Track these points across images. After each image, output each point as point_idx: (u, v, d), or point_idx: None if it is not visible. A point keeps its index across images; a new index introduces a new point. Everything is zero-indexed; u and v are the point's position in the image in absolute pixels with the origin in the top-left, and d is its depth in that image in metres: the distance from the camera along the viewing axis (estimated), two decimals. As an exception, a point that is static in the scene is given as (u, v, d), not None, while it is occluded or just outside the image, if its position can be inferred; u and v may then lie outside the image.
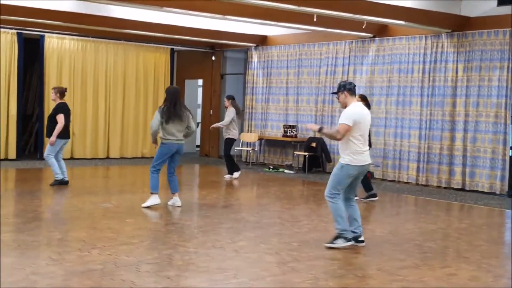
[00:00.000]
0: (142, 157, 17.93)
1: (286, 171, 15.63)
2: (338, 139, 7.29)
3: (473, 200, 11.78)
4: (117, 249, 6.77)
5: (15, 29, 15.50)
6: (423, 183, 13.64)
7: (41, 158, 15.95)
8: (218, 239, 7.51)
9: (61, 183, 11.41)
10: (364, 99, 10.32)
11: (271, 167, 16.24)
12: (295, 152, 16.05)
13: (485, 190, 12.66)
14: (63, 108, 11.51)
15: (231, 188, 12.78)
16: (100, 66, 17.11)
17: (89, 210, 9.17)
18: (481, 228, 9.05)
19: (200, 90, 20.49)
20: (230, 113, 13.70)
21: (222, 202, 10.66)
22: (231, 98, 13.99)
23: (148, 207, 9.44)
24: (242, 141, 17.30)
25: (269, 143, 17.27)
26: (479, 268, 6.63)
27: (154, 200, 9.56)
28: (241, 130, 17.69)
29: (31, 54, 17.18)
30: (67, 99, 16.23)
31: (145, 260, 6.36)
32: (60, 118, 11.36)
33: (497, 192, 12.48)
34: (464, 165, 13.05)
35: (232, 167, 13.91)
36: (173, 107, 9.42)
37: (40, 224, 8.16)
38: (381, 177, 14.45)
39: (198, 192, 12.16)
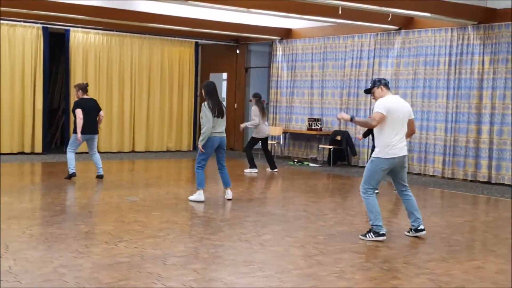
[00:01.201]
0: (168, 151, 18.03)
1: (311, 164, 15.61)
2: (374, 126, 7.29)
3: (500, 193, 11.67)
4: (144, 242, 6.82)
5: (41, 23, 15.63)
6: (449, 176, 13.55)
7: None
8: (244, 232, 7.53)
9: (71, 177, 11.49)
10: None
11: (296, 160, 16.22)
12: (320, 146, 16.02)
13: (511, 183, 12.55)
14: (79, 104, 11.44)
15: (256, 181, 12.79)
16: (125, 60, 17.20)
17: (115, 204, 9.24)
18: (508, 221, 8.95)
19: (224, 83, 20.51)
20: (255, 111, 13.70)
21: (247, 195, 10.67)
22: (255, 96, 13.96)
23: (193, 201, 9.57)
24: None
25: (293, 137, 17.25)
26: (507, 261, 6.57)
27: (198, 195, 9.61)
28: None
29: (56, 48, 17.35)
30: (92, 94, 16.51)
31: (172, 253, 6.40)
32: (78, 113, 11.34)
33: (525, 185, 12.36)
34: (490, 158, 12.93)
35: (250, 162, 13.93)
36: (217, 101, 9.50)
37: (67, 218, 8.24)
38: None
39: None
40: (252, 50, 19.20)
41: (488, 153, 12.95)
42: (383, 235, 7.29)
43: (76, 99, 11.66)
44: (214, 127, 9.41)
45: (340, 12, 12.35)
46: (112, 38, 16.95)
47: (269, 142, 17.36)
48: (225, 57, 19.47)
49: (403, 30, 14.47)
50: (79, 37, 16.43)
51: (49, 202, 9.21)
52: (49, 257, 6.08)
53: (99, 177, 11.74)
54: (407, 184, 7.65)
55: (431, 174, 13.93)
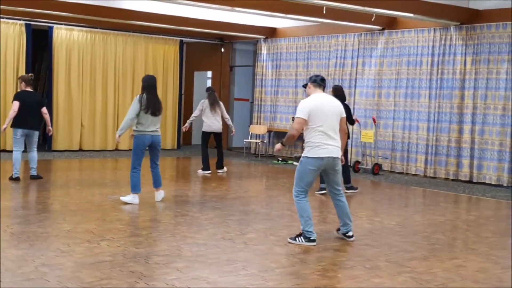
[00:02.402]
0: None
1: (295, 163, 15.63)
2: (295, 135, 7.04)
3: (481, 192, 11.74)
4: (127, 241, 6.78)
5: (24, 20, 15.50)
6: (431, 175, 13.61)
7: (50, 149, 16.02)
8: (227, 231, 7.51)
9: (14, 179, 10.81)
10: (335, 90, 10.47)
11: (280, 159, 16.22)
12: (304, 144, 15.98)
13: (493, 183, 12.61)
14: (18, 96, 10.87)
15: (241, 180, 12.78)
16: (109, 57, 17.10)
17: (98, 202, 9.18)
18: (489, 220, 9.02)
19: (209, 82, 20.48)
20: (199, 105, 13.33)
21: (231, 194, 10.65)
22: (207, 90, 13.61)
23: (127, 203, 9.16)
24: (251, 133, 17.29)
25: (278, 135, 17.25)
26: (487, 260, 6.61)
27: (133, 198, 9.16)
28: (237, 122, 17.68)
29: (39, 45, 17.21)
30: (75, 91, 16.42)
31: (155, 251, 6.37)
32: (14, 105, 10.70)
33: (505, 184, 12.44)
34: (472, 157, 13.01)
35: (204, 163, 13.27)
36: (154, 97, 9.12)
37: (49, 216, 8.17)
38: (389, 169, 14.42)
39: (208, 184, 12.15)
40: (237, 49, 19.18)
41: (470, 153, 13.03)
42: (313, 240, 6.95)
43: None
44: (146, 124, 9.02)
45: (324, 11, 12.36)
46: (95, 36, 16.85)
47: (253, 141, 17.38)
48: (210, 56, 19.43)
49: (386, 30, 14.52)
50: (62, 34, 16.32)
51: (31, 200, 9.14)
52: (31, 256, 6.03)
53: (33, 177, 11.03)
54: (340, 188, 7.23)
55: (413, 173, 13.99)
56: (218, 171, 13.45)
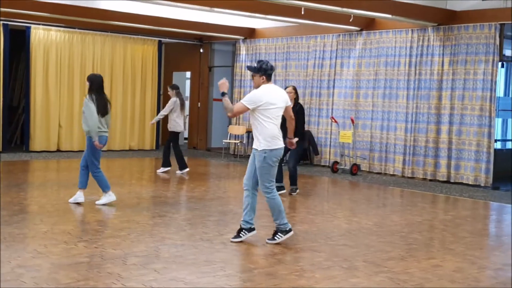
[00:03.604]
0: (130, 150, 17.87)
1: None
2: (229, 116, 7.05)
3: (458, 193, 11.84)
4: (104, 242, 6.75)
5: (1, 20, 15.34)
6: (409, 175, 13.69)
7: (28, 150, 15.89)
8: (205, 232, 7.50)
9: None
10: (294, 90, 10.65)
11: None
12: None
13: (470, 183, 12.72)
14: None
15: (219, 180, 12.76)
16: (87, 58, 16.99)
17: (74, 204, 9.11)
18: (466, 220, 9.09)
19: (188, 82, 20.43)
20: (170, 103, 12.95)
21: (210, 194, 10.64)
22: (175, 88, 13.18)
23: (104, 204, 9.10)
24: (230, 134, 17.29)
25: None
26: (464, 260, 6.66)
27: (109, 197, 9.14)
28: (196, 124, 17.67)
29: (17, 45, 17.06)
30: (52, 92, 16.30)
31: (132, 253, 6.34)
32: None
33: (482, 185, 12.55)
34: (449, 157, 13.11)
35: (180, 162, 13.07)
36: (102, 97, 8.92)
37: (26, 217, 8.11)
38: (367, 170, 14.49)
39: (186, 184, 12.13)
40: (215, 49, 19.16)
41: (447, 153, 13.12)
42: (290, 230, 7.07)
43: None
44: (102, 123, 8.88)
45: (302, 12, 12.39)
46: (73, 36, 16.73)
47: (232, 141, 17.37)
48: (188, 56, 19.39)
49: (364, 31, 14.58)
50: (40, 34, 16.19)
51: (8, 201, 9.05)
52: (7, 257, 5.97)
53: None
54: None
55: (391, 173, 14.06)
56: (185, 171, 13.17)
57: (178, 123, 12.95)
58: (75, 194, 9.13)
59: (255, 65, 6.96)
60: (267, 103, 6.89)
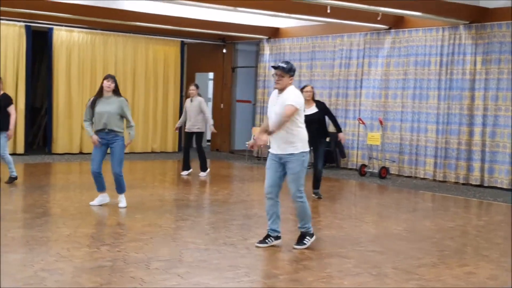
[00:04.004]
0: (152, 152, 17.96)
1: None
2: (287, 121, 6.87)
3: (492, 197, 11.70)
4: (127, 246, 6.78)
5: (23, 21, 15.53)
6: (441, 179, 13.57)
7: (50, 152, 16.05)
8: (229, 236, 7.50)
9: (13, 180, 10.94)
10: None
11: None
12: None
13: (504, 187, 12.57)
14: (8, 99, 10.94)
15: (243, 183, 12.76)
16: (109, 59, 17.12)
17: (98, 206, 9.18)
18: (500, 226, 8.98)
19: (211, 83, 20.49)
20: (204, 102, 13.09)
21: (233, 197, 10.65)
22: (198, 86, 13.26)
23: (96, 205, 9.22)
24: (254, 136, 17.27)
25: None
26: (498, 267, 6.58)
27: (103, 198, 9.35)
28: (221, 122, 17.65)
29: (39, 47, 17.25)
30: (75, 93, 16.45)
31: (155, 257, 6.36)
32: (12, 109, 10.86)
33: (517, 189, 12.42)
34: (482, 160, 12.97)
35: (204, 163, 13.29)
36: None
37: (49, 220, 8.18)
38: (397, 173, 14.39)
39: (209, 187, 12.15)
40: (239, 49, 19.18)
41: (481, 156, 12.99)
42: (313, 234, 7.20)
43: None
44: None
45: (328, 11, 12.35)
46: (96, 37, 16.87)
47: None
48: (211, 57, 19.44)
49: (393, 30, 14.50)
50: (62, 36, 16.34)
51: (31, 204, 9.15)
52: (30, 260, 6.03)
53: (11, 179, 11.01)
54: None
55: (422, 176, 13.95)
56: (200, 173, 13.26)
57: (204, 123, 13.07)
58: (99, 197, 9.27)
59: (283, 65, 6.93)
60: (302, 106, 6.99)
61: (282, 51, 17.19)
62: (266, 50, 17.65)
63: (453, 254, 7.09)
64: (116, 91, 9.10)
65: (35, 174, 12.62)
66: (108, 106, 8.93)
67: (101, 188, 9.23)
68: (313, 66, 16.36)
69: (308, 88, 10.52)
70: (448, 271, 6.31)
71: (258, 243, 7.06)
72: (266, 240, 7.07)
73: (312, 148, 10.21)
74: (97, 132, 8.96)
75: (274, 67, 6.96)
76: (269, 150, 7.11)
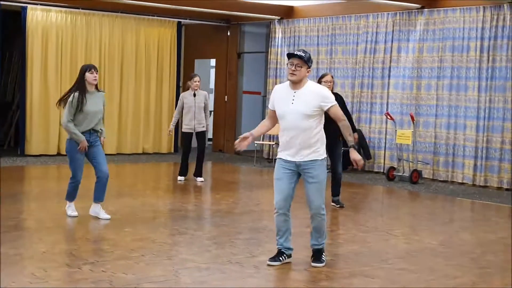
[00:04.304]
0: (144, 153, 17.99)
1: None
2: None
3: (543, 205, 11.69)
4: (113, 265, 6.80)
5: (-8, 0, 15.60)
6: (481, 183, 13.57)
7: (23, 154, 16.09)
8: (234, 253, 7.51)
9: None
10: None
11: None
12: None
13: (557, 193, 12.58)
14: None
15: (251, 190, 12.78)
16: (93, 43, 17.15)
17: (79, 217, 9.20)
18: (552, 239, 8.97)
19: (212, 71, 20.51)
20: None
21: (240, 207, 10.66)
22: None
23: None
24: (264, 134, 17.28)
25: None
26: (549, 288, 6.58)
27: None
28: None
29: (11, 30, 17.27)
30: (53, 83, 16.48)
31: (147, 278, 6.38)
32: None
33: None
34: (531, 162, 12.98)
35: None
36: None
37: (23, 234, 8.21)
38: (431, 177, 14.39)
39: (211, 195, 12.17)
40: (246, 32, 19.20)
41: (528, 157, 13.00)
42: None
43: None
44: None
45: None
46: (77, 17, 16.91)
47: (266, 143, 17.38)
48: (213, 40, 19.46)
49: (426, 9, 14.49)
50: (38, 16, 16.38)
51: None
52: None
53: None
54: None
55: (460, 181, 13.95)
56: (198, 178, 13.29)
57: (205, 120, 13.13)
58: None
59: (301, 53, 6.90)
60: None
61: (297, 34, 17.20)
62: (278, 33, 17.67)
63: (495, 272, 7.09)
64: (97, 85, 9.09)
65: (5, 179, 12.65)
66: (96, 104, 8.96)
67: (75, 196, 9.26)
68: (333, 51, 16.36)
69: (328, 78, 10.53)
70: (491, 294, 6.32)
71: (269, 260, 7.08)
72: (280, 258, 7.08)
73: (328, 149, 10.20)
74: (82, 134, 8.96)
75: (291, 55, 6.88)
76: (280, 156, 7.01)
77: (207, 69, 20.73)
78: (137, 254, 7.29)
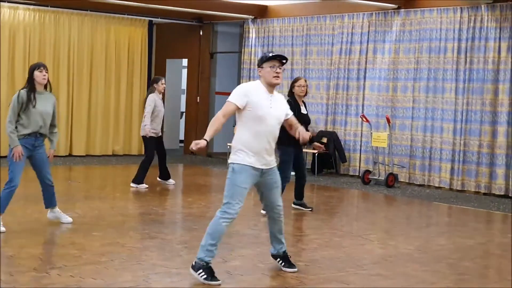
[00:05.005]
0: (113, 155, 17.91)
1: (292, 173, 15.55)
2: None
3: (520, 210, 11.79)
4: (82, 270, 6.76)
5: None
6: (458, 188, 13.65)
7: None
8: (206, 257, 7.49)
9: None
10: None
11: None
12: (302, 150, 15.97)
13: (535, 197, 12.68)
14: None
15: (223, 194, 12.71)
16: (61, 42, 17.06)
17: (47, 222, 9.13)
18: (529, 244, 9.04)
19: (184, 72, 20.48)
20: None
21: (212, 211, 10.61)
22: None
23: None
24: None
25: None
26: (527, 294, 6.63)
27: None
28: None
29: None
30: (19, 83, 16.32)
31: (116, 283, 6.35)
32: None
33: (549, 200, 12.51)
34: (508, 166, 13.06)
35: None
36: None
37: (-13, 238, 8.13)
38: (407, 181, 14.45)
39: (182, 199, 12.13)
40: (219, 32, 19.19)
41: (506, 160, 13.08)
42: None
43: None
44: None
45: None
46: (45, 15, 16.81)
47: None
48: (185, 40, 19.42)
49: (402, 10, 14.56)
50: (4, 14, 16.26)
51: (-36, 219, 9.08)
52: (-37, 288, 6.00)
53: None
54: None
55: (436, 185, 14.02)
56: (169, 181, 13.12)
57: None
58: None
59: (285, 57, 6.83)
60: None
61: (271, 34, 17.21)
62: (252, 32, 17.67)
63: (473, 278, 7.13)
64: (46, 85, 8.70)
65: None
66: (44, 105, 8.54)
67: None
68: (307, 52, 16.39)
69: (301, 82, 10.42)
70: (468, 300, 6.36)
71: (285, 267, 7.03)
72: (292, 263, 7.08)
73: (295, 155, 10.25)
74: (25, 136, 8.51)
75: (278, 57, 6.77)
76: (249, 163, 6.63)
77: (179, 69, 20.69)
78: (106, 259, 7.25)
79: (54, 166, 15.34)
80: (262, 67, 6.74)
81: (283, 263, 7.04)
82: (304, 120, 9.99)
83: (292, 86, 10.39)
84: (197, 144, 6.47)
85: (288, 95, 10.37)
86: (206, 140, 6.53)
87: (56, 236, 8.30)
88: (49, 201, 8.97)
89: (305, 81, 10.54)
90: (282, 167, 9.77)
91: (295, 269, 7.00)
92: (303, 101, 10.57)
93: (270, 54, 6.79)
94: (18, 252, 7.43)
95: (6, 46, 16.29)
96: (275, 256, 7.11)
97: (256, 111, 6.56)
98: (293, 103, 9.99)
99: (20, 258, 7.18)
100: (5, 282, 6.21)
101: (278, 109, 6.74)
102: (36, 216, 9.44)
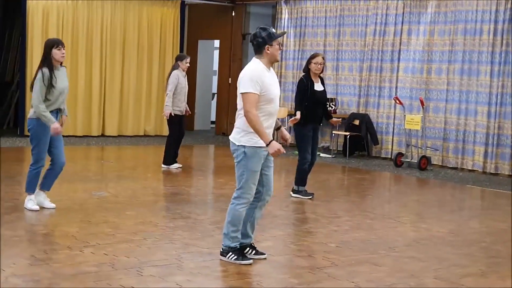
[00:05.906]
0: (145, 136, 18.01)
1: (322, 154, 15.62)
2: None
3: (555, 194, 11.70)
4: (115, 248, 6.84)
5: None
6: (492, 171, 13.58)
7: (22, 134, 16.12)
8: (238, 238, 7.54)
9: None
10: None
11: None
12: (334, 132, 16.02)
13: None
14: None
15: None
16: (94, 25, 17.13)
17: (81, 200, 9.25)
18: None
19: (216, 53, 20.49)
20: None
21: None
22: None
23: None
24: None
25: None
26: (561, 278, 6.60)
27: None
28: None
29: (11, 10, 17.26)
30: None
31: (149, 261, 6.42)
32: None
33: None
34: (544, 149, 12.98)
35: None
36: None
37: (22, 216, 8.23)
38: (440, 164, 14.39)
39: (214, 179, 12.19)
40: (251, 13, 19.17)
41: (541, 144, 13.00)
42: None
43: None
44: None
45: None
46: (78, -3, 16.92)
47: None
48: (217, 21, 19.43)
49: (438, -9, 14.47)
50: (37, -5, 16.39)
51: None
52: (-1, 264, 6.10)
53: None
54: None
55: (469, 168, 13.95)
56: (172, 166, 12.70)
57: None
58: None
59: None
60: None
61: (304, 15, 17.16)
62: (284, 13, 17.64)
63: (505, 262, 7.10)
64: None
65: (5, 160, 12.69)
66: (63, 80, 8.48)
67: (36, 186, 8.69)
68: (341, 33, 16.33)
69: (319, 59, 9.89)
70: (500, 282, 6.34)
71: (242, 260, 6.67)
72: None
73: (313, 134, 9.95)
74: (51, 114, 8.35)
75: (282, 35, 6.80)
76: (260, 144, 6.54)
77: (211, 51, 20.70)
78: (139, 238, 7.32)
79: (87, 146, 15.53)
80: (271, 45, 6.69)
81: (253, 252, 6.76)
82: (317, 97, 9.82)
83: (308, 62, 9.96)
84: (276, 148, 6.42)
85: (304, 71, 10.09)
86: (272, 139, 6.46)
87: (90, 215, 8.39)
88: (49, 184, 8.69)
89: (323, 58, 10.03)
90: (300, 147, 9.79)
91: (265, 256, 6.78)
92: (320, 77, 10.12)
93: (279, 32, 6.74)
94: (52, 230, 7.54)
95: (39, 28, 16.38)
96: (245, 246, 6.74)
97: (269, 94, 6.54)
98: (305, 80, 9.83)
99: (54, 236, 7.29)
100: (39, 259, 6.31)
101: (277, 85, 6.76)
102: (71, 195, 9.55)
